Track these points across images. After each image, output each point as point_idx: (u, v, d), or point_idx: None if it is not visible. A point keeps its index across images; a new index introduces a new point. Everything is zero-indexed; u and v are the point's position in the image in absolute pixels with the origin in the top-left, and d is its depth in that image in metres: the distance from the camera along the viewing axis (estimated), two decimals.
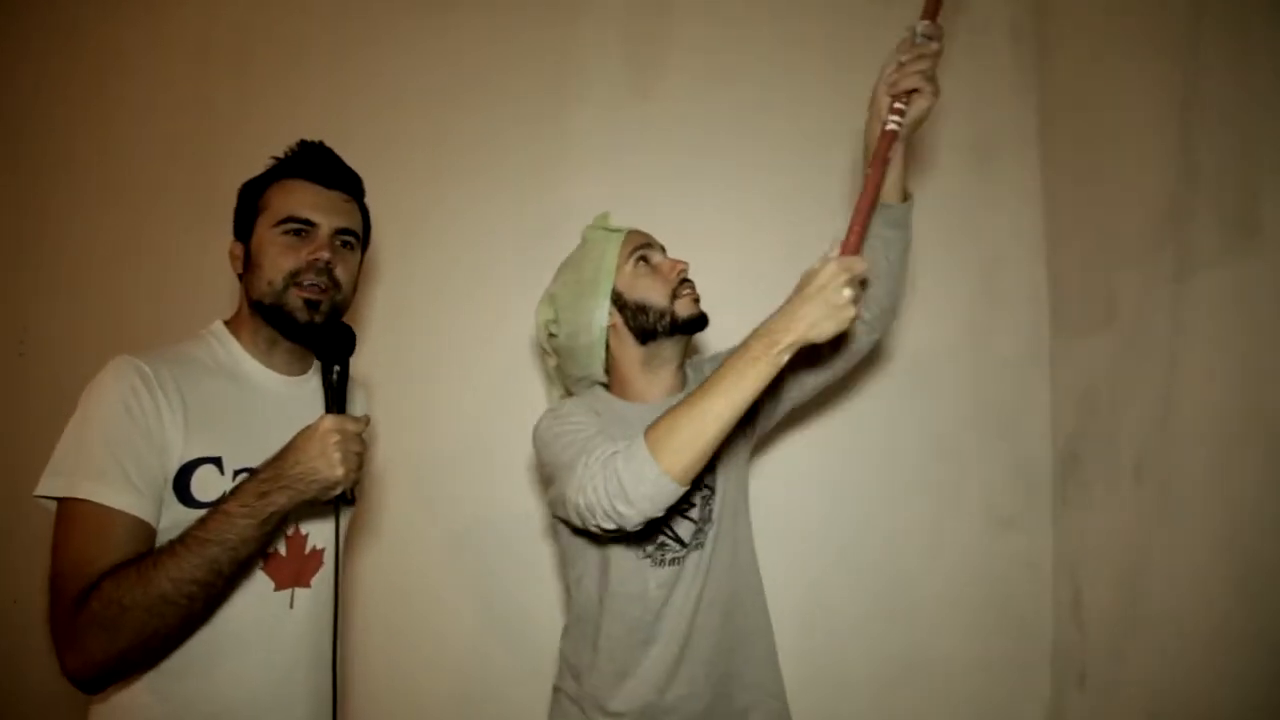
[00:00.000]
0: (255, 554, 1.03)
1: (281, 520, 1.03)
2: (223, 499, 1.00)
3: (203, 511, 1.00)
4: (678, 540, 1.28)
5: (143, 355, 1.07)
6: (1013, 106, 1.83)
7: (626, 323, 1.30)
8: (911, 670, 1.74)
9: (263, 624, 1.10)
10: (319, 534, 1.18)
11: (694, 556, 1.28)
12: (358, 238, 1.23)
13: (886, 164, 1.13)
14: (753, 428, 1.40)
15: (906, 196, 1.23)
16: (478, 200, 1.94)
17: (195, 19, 2.09)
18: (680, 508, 1.27)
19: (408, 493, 1.90)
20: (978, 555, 1.75)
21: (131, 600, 0.94)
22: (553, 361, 1.41)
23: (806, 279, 1.04)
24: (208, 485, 1.06)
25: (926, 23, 1.14)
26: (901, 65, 1.13)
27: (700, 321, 1.31)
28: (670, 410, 1.07)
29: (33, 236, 2.10)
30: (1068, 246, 1.72)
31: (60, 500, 1.01)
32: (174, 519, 1.02)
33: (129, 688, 1.04)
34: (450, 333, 1.92)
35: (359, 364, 1.20)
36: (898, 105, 1.13)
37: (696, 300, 1.32)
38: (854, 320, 1.03)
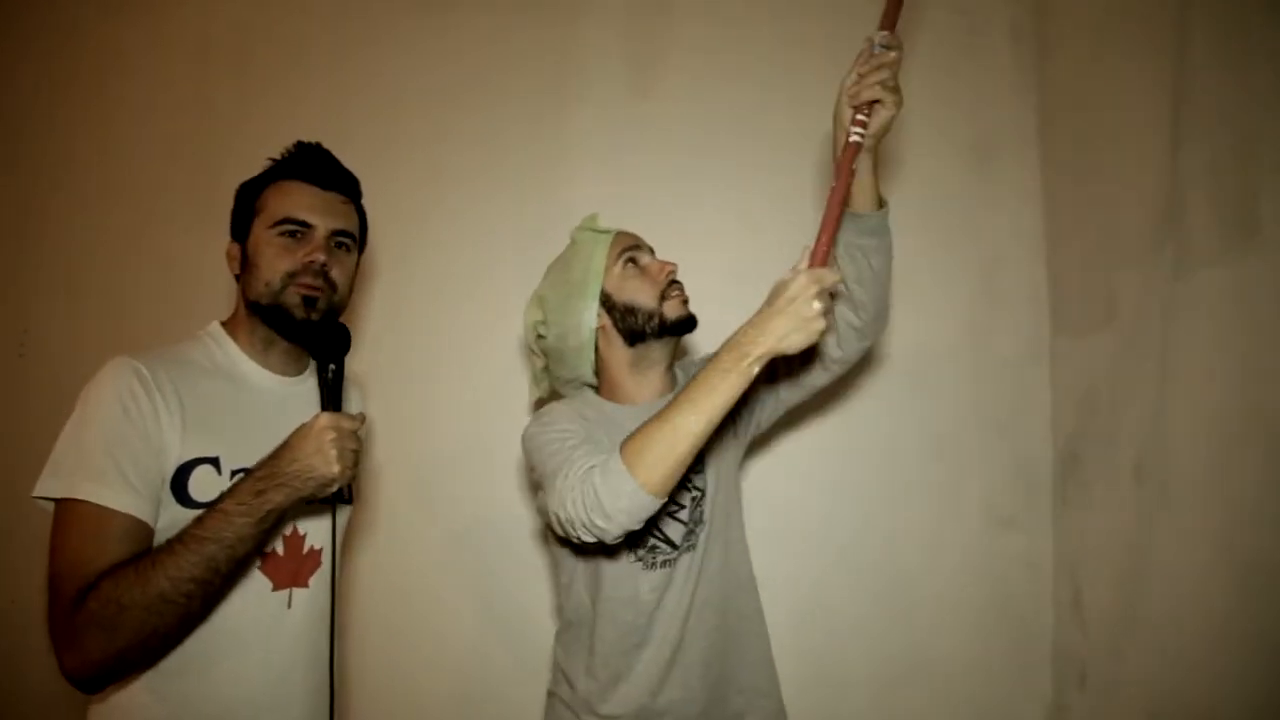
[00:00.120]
0: (252, 552, 1.03)
1: (279, 519, 1.03)
2: (220, 498, 1.00)
3: (200, 512, 1.00)
4: (669, 543, 1.27)
5: (140, 356, 1.07)
6: (1013, 106, 1.83)
7: (615, 324, 1.30)
8: (911, 670, 1.74)
9: (261, 624, 1.10)
10: (317, 534, 1.18)
11: (686, 559, 1.28)
12: (354, 239, 1.23)
13: (852, 175, 1.12)
14: (735, 432, 1.39)
15: (882, 204, 1.23)
16: (478, 200, 1.94)
17: (195, 19, 2.10)
18: (670, 510, 1.27)
19: (407, 492, 1.90)
20: (978, 555, 1.75)
21: (130, 599, 0.94)
22: (540, 363, 1.40)
23: (777, 291, 1.03)
24: (205, 485, 1.05)
25: (885, 33, 1.13)
26: (861, 77, 1.12)
27: (689, 323, 1.31)
28: (645, 424, 1.07)
29: (33, 236, 2.11)
30: (1068, 246, 1.72)
31: (58, 501, 1.01)
32: (171, 519, 1.02)
33: (127, 687, 1.04)
34: (450, 333, 1.92)
35: (358, 362, 1.20)
36: (859, 117, 1.12)
37: (685, 302, 1.32)
38: (824, 333, 1.03)
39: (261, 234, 1.16)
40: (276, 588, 1.12)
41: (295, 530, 1.15)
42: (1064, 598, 1.67)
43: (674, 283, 1.32)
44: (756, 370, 1.03)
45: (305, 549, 1.16)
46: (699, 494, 1.30)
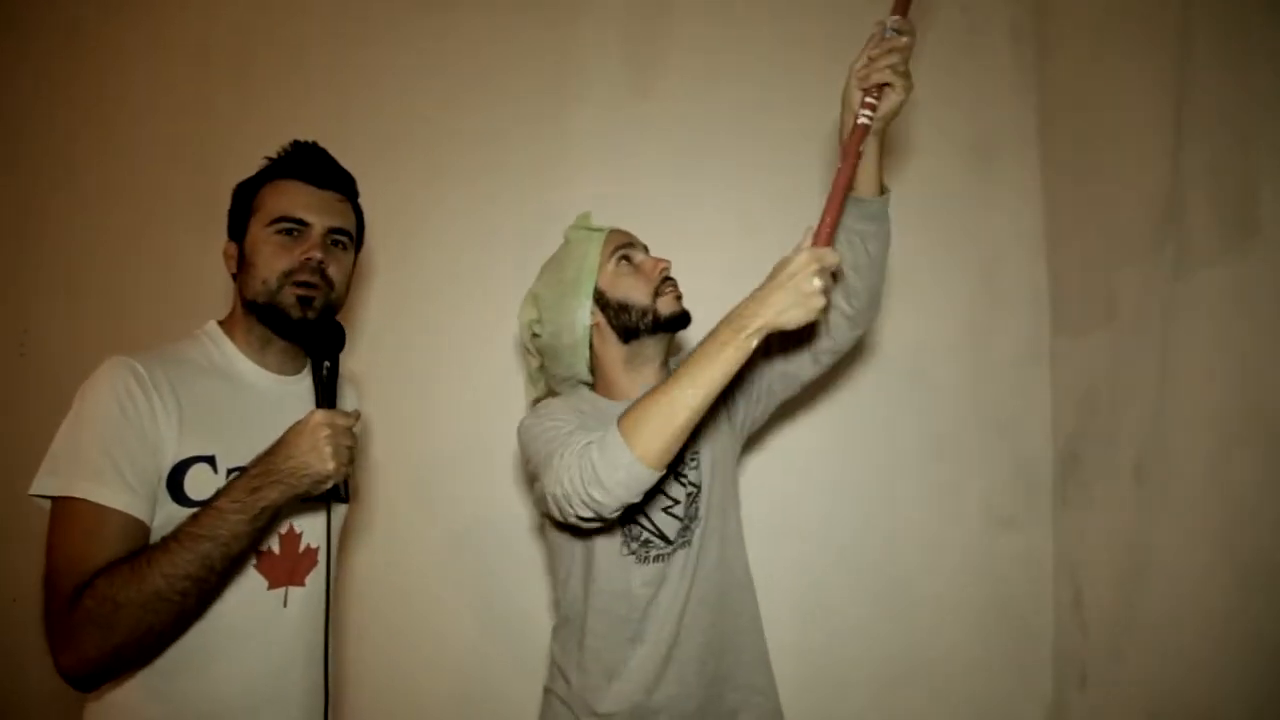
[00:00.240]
0: (248, 550, 1.03)
1: (274, 516, 1.03)
2: (215, 495, 1.00)
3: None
4: (662, 537, 1.27)
5: (137, 355, 1.07)
6: (1013, 106, 1.83)
7: (609, 321, 1.30)
8: (911, 670, 1.73)
9: (257, 622, 1.10)
10: (313, 532, 1.18)
11: (681, 555, 1.28)
12: (351, 237, 1.23)
13: (859, 158, 1.13)
14: (732, 422, 1.39)
15: (884, 190, 1.23)
16: (478, 200, 1.94)
17: (196, 21, 2.10)
18: (665, 505, 1.27)
19: (406, 492, 1.90)
20: (978, 555, 1.75)
21: (125, 597, 0.94)
22: (536, 362, 1.41)
23: (778, 267, 1.05)
24: (201, 484, 1.06)
25: (897, 18, 1.14)
26: (872, 59, 1.13)
27: (683, 319, 1.32)
28: (642, 397, 1.08)
29: (33, 236, 2.11)
30: (1068, 246, 1.72)
31: (55, 499, 1.01)
32: (168, 517, 1.03)
33: (123, 686, 1.04)
34: (450, 333, 1.92)
35: (357, 362, 1.20)
36: (869, 99, 1.13)
37: (679, 298, 1.32)
38: (824, 310, 1.04)
39: (258, 233, 1.16)
40: (272, 586, 1.12)
41: (291, 529, 1.15)
42: (1064, 598, 1.67)
43: (667, 279, 1.32)
44: (754, 344, 1.03)
45: (301, 548, 1.16)
46: (695, 490, 1.30)
